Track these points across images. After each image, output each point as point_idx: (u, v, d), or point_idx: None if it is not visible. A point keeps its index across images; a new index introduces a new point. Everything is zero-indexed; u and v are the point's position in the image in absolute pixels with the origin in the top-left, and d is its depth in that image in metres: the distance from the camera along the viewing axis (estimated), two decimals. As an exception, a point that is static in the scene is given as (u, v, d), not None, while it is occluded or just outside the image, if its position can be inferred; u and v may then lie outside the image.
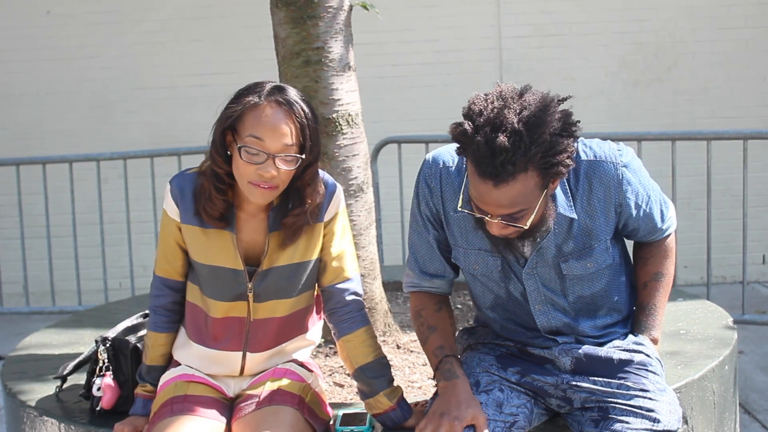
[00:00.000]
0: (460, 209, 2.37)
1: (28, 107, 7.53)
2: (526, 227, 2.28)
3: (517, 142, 2.14)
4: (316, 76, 3.41)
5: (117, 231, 6.77)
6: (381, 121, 6.96)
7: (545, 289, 2.48)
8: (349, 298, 2.64)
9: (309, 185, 2.52)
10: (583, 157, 2.41)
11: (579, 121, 2.27)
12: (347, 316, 2.63)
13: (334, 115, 3.43)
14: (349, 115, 3.47)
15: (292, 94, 2.47)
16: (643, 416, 2.34)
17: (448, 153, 2.51)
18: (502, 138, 2.13)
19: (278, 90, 2.46)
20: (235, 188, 2.53)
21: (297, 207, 2.52)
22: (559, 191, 2.40)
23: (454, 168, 2.48)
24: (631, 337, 2.58)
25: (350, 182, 3.47)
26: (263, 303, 2.57)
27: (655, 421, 2.33)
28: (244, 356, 2.60)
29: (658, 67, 7.48)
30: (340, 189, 2.64)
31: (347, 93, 3.47)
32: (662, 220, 2.58)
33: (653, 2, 7.41)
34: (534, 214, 2.26)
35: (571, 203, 2.41)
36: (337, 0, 3.44)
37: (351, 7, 3.52)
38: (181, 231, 2.59)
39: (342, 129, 3.45)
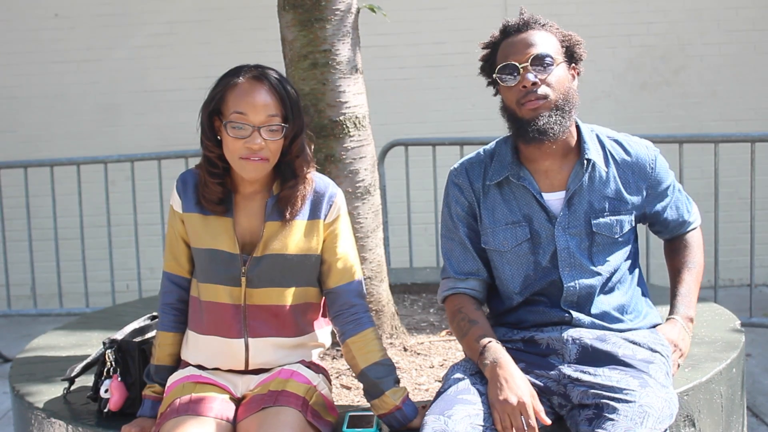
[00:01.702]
0: (497, 75, 2.59)
1: (36, 110, 7.55)
2: (552, 80, 2.53)
3: (536, 16, 2.65)
4: (324, 79, 3.42)
5: (124, 233, 6.79)
6: (388, 123, 6.97)
7: (575, 249, 2.60)
8: (354, 299, 2.68)
9: (298, 157, 2.62)
10: (622, 138, 2.71)
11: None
12: (352, 318, 2.67)
13: (341, 118, 3.44)
14: (357, 117, 3.47)
15: (269, 70, 2.61)
16: (635, 411, 2.34)
17: (469, 156, 2.78)
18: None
19: (255, 68, 2.60)
20: (232, 173, 2.63)
21: (290, 179, 2.62)
22: (592, 143, 2.64)
23: (476, 161, 2.73)
24: (646, 332, 2.65)
25: (357, 185, 3.48)
26: (258, 289, 2.60)
27: (647, 415, 2.34)
28: (246, 345, 2.61)
29: (665, 70, 7.47)
30: (341, 192, 2.72)
31: (354, 95, 3.47)
32: (689, 212, 2.84)
33: (661, 5, 7.41)
34: (558, 72, 2.55)
35: (602, 161, 2.64)
36: (345, 3, 3.44)
37: (358, 10, 3.52)
38: (183, 223, 2.67)
39: (349, 131, 3.45)
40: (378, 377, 2.61)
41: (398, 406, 2.58)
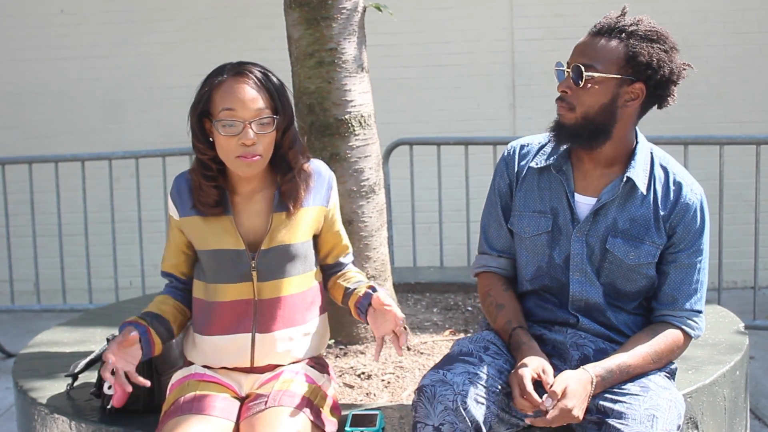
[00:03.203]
0: (555, 67, 2.58)
1: (41, 106, 7.56)
2: (583, 94, 2.48)
3: (623, 22, 2.59)
4: (329, 77, 3.42)
5: (128, 230, 6.79)
6: (393, 122, 6.97)
7: (587, 259, 2.58)
8: (343, 261, 2.80)
9: (291, 149, 2.62)
10: (673, 169, 2.61)
11: (687, 66, 2.73)
12: (339, 269, 2.78)
13: (346, 116, 3.43)
14: (362, 116, 3.47)
15: (252, 64, 2.61)
16: (642, 415, 2.34)
17: (529, 137, 2.78)
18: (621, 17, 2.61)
19: (238, 64, 2.60)
20: (227, 174, 2.62)
21: (287, 173, 2.62)
22: (641, 164, 2.56)
23: (531, 143, 2.73)
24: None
25: (362, 183, 3.48)
26: (268, 282, 2.61)
27: (654, 417, 2.34)
28: (253, 341, 2.60)
29: (670, 71, 7.45)
30: (333, 173, 2.75)
31: (360, 94, 3.47)
32: (692, 301, 2.59)
33: (666, 6, 7.39)
34: (597, 88, 2.47)
35: (644, 184, 2.55)
36: (351, 1, 3.44)
37: (365, 9, 3.52)
38: (182, 231, 2.66)
39: (354, 130, 3.45)
40: (357, 283, 2.68)
41: (370, 285, 2.62)
